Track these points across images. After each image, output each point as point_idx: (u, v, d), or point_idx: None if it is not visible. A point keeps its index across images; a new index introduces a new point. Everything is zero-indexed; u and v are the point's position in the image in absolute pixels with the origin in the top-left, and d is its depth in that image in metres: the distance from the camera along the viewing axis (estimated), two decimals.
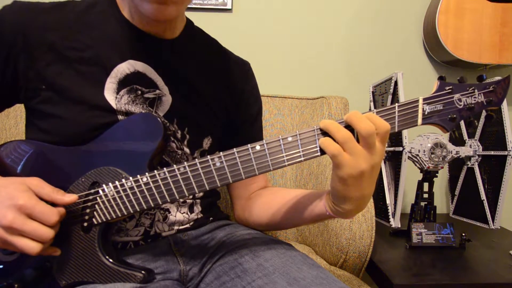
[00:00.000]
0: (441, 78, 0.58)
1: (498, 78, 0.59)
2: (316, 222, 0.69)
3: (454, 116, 0.57)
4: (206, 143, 0.76)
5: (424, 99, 0.57)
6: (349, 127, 0.54)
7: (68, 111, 0.64)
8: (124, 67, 0.67)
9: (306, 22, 1.53)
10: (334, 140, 0.53)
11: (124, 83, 0.67)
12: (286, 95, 1.34)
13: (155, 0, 0.59)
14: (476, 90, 0.57)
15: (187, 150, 0.73)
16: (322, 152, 0.55)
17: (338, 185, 0.55)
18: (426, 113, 0.57)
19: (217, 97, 0.78)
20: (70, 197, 0.58)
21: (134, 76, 0.68)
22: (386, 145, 0.55)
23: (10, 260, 0.60)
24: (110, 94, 0.66)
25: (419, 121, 0.57)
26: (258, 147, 0.56)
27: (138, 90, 0.68)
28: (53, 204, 0.59)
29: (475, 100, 0.57)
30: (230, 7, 1.49)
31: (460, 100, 0.57)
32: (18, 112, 1.22)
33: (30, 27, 0.63)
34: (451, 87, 0.57)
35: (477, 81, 0.58)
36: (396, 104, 0.56)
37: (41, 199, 0.56)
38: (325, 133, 0.55)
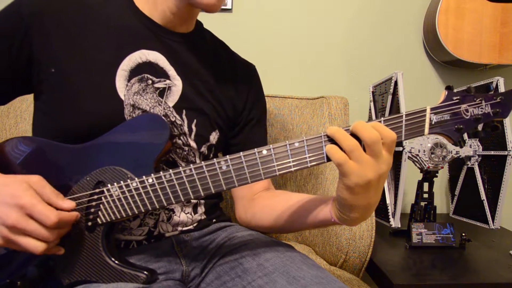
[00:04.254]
0: (448, 88, 0.58)
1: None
2: (320, 227, 0.69)
3: (461, 126, 0.56)
4: (214, 137, 0.76)
5: (432, 109, 0.56)
6: (355, 136, 0.53)
7: (74, 97, 0.64)
8: (136, 56, 0.68)
9: (306, 22, 1.53)
10: (341, 148, 0.53)
11: (136, 71, 0.68)
12: (286, 95, 1.33)
13: None
14: (483, 101, 0.57)
15: (194, 144, 0.73)
16: (329, 159, 0.55)
17: (344, 193, 0.55)
18: (433, 122, 0.56)
19: (226, 93, 0.79)
20: (68, 204, 0.57)
21: (145, 65, 0.69)
22: None
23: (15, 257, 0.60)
24: (121, 82, 0.66)
25: (426, 130, 0.56)
26: (264, 152, 0.56)
27: (149, 79, 0.69)
28: None
29: (482, 111, 0.57)
30: (230, 7, 1.49)
31: (467, 110, 0.56)
32: (18, 112, 1.21)
33: (47, 11, 0.64)
34: (458, 97, 0.56)
35: (484, 92, 0.58)
36: (404, 113, 0.56)
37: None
38: (331, 139, 0.55)
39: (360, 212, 0.57)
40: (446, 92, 0.57)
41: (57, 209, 0.56)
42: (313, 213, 0.65)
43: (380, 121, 0.55)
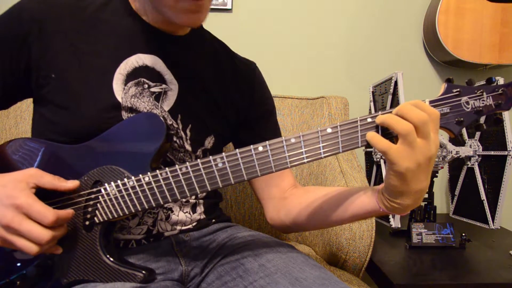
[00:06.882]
0: (448, 81, 0.56)
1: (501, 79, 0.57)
2: (365, 218, 0.66)
3: (462, 119, 0.55)
4: (209, 142, 0.76)
5: (431, 102, 0.55)
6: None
7: (73, 101, 0.64)
8: (133, 60, 0.68)
9: (306, 22, 1.53)
10: (387, 136, 0.52)
11: (132, 76, 0.68)
12: (286, 95, 1.33)
13: (190, 10, 0.60)
14: (484, 93, 0.55)
15: (189, 148, 0.73)
16: (325, 154, 0.55)
17: (395, 181, 0.53)
18: None
19: (226, 95, 0.78)
20: (72, 183, 0.59)
21: (142, 69, 0.69)
22: None
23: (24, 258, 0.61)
24: (118, 85, 0.66)
25: None
26: (260, 148, 0.56)
27: (145, 83, 0.69)
28: (55, 199, 0.59)
29: (483, 103, 0.55)
30: (230, 7, 1.49)
31: (467, 103, 0.55)
32: (18, 112, 1.22)
33: (47, 16, 0.65)
34: (458, 89, 0.55)
35: (486, 84, 0.56)
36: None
37: (42, 188, 0.56)
38: (330, 136, 0.54)
39: (412, 198, 0.55)
40: (446, 85, 0.56)
41: (62, 191, 0.58)
42: (356, 204, 0.62)
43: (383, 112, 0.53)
